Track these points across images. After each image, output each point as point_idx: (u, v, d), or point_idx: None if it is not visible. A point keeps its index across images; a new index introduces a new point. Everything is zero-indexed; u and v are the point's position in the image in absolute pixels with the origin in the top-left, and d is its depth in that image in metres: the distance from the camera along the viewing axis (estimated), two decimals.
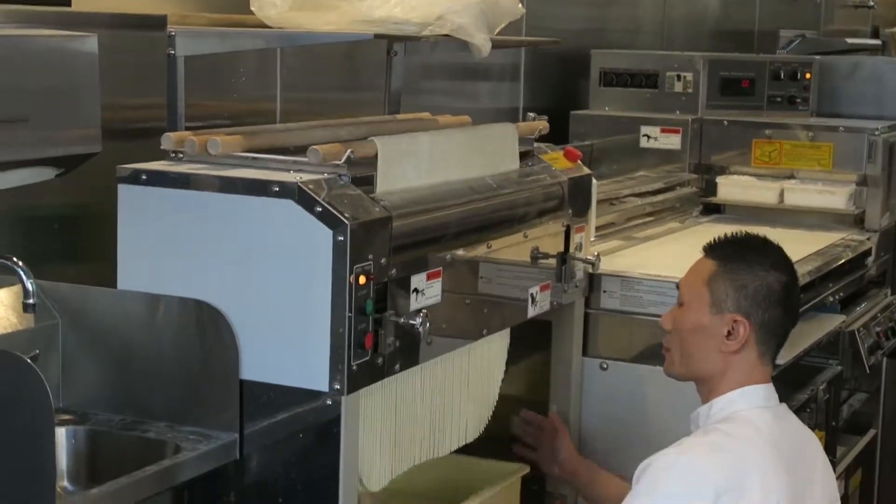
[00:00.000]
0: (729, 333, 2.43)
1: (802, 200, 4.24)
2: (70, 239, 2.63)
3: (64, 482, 2.34)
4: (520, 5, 2.88)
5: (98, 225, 2.47)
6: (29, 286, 2.17)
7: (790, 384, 3.40)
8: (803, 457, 2.46)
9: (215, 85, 2.97)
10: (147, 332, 2.34)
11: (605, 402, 3.19)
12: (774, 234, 3.94)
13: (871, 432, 4.26)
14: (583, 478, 2.95)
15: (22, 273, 2.17)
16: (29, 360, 1.93)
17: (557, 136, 4.12)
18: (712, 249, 2.53)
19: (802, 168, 4.29)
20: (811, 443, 2.55)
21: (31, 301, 2.17)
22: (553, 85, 4.47)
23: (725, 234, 2.58)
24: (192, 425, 2.29)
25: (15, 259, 2.19)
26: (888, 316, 4.16)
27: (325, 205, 2.17)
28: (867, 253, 4.10)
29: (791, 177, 4.32)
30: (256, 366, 2.25)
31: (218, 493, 2.34)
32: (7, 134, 2.16)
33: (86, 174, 2.41)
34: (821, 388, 3.60)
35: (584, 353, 3.19)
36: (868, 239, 4.14)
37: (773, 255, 2.54)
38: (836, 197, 4.22)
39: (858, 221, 4.24)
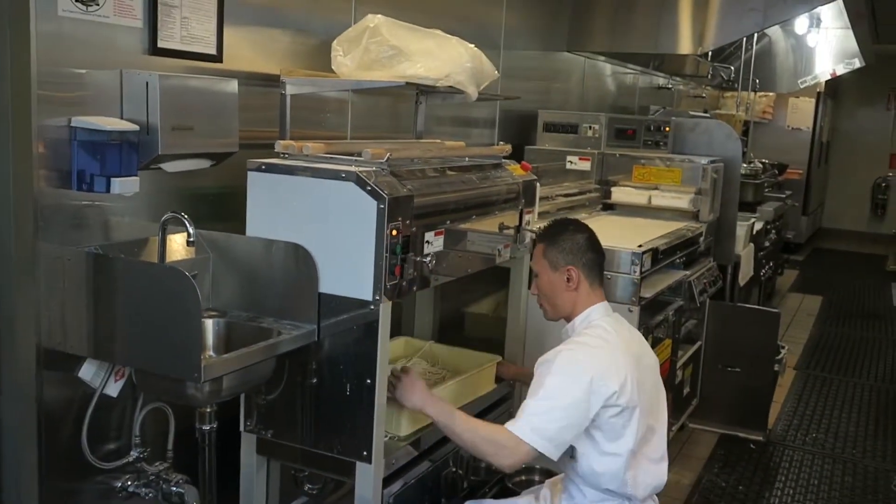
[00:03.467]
0: (568, 280, 2.33)
1: (663, 202, 4.17)
2: (218, 206, 2.52)
3: (210, 352, 2.26)
4: (496, 72, 2.76)
5: (235, 198, 2.36)
6: (190, 230, 2.07)
7: (652, 311, 3.33)
8: (634, 341, 2.35)
9: (309, 120, 2.86)
10: (264, 262, 2.26)
11: (542, 318, 3.07)
12: (645, 223, 3.95)
13: (698, 343, 4.18)
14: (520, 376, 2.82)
15: (186, 222, 2.08)
16: (187, 273, 1.87)
17: (518, 159, 4.04)
18: (540, 236, 2.42)
19: (663, 183, 4.22)
20: (637, 334, 2.42)
21: (191, 239, 2.08)
22: (515, 130, 4.36)
23: (547, 224, 2.48)
24: (290, 320, 2.22)
25: (182, 213, 2.10)
26: (710, 273, 4.08)
27: (373, 185, 2.09)
28: (699, 235, 4.02)
29: (656, 188, 4.25)
30: (329, 283, 2.17)
31: (303, 362, 2.26)
32: (181, 136, 2.10)
33: (229, 167, 2.33)
34: (670, 314, 3.52)
35: (528, 287, 3.04)
36: (700, 227, 4.06)
37: (573, 225, 2.42)
38: (682, 201, 4.14)
39: (695, 216, 4.16)
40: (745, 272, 4.82)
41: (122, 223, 2.22)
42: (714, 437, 4.19)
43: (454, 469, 2.65)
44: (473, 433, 2.19)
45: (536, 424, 2.13)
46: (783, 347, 4.30)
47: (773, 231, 6.10)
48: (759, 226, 5.36)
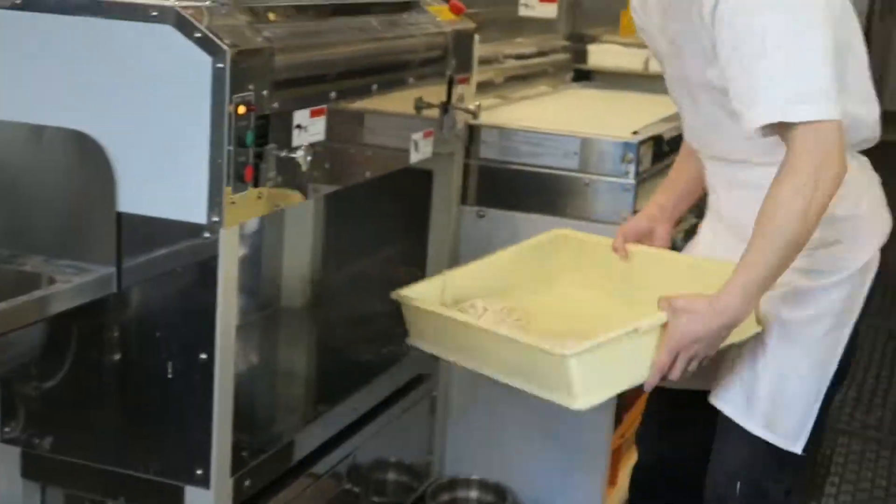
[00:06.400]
0: None
1: None
2: None
3: None
4: None
5: None
6: None
7: None
8: None
9: None
10: (23, 164, 2.05)
11: (482, 250, 2.92)
12: (638, 99, 3.81)
13: None
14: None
15: None
16: None
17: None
18: None
19: None
20: None
21: None
22: None
23: None
24: (71, 259, 2.03)
25: None
26: None
27: (205, 31, 1.89)
28: None
29: None
30: (134, 198, 1.98)
31: (98, 329, 2.10)
32: None
33: None
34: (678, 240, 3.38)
35: (463, 202, 2.97)
36: None
37: None
38: None
39: None
40: None
41: None
42: None
43: (349, 486, 2.61)
44: (780, 225, 1.96)
45: (797, 87, 1.94)
46: None
47: None
48: None
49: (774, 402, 2.21)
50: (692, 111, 2.26)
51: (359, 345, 2.87)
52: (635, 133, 3.00)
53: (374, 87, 2.38)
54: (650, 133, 3.06)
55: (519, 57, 3.78)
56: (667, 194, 2.53)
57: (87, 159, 1.98)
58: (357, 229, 3.06)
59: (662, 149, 3.17)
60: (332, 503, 2.55)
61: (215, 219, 1.93)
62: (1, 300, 1.84)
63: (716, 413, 2.29)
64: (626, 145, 2.92)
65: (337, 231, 3.07)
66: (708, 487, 2.32)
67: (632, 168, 2.91)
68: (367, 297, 2.97)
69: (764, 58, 1.94)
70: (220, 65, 1.87)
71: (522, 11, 3.96)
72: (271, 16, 2.10)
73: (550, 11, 3.97)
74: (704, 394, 2.30)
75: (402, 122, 2.56)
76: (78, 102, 1.99)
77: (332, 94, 2.20)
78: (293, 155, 2.03)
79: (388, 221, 2.97)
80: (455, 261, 2.96)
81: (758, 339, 2.19)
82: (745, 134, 2.00)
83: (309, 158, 2.06)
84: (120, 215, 1.98)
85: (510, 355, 2.16)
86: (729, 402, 2.24)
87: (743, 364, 2.22)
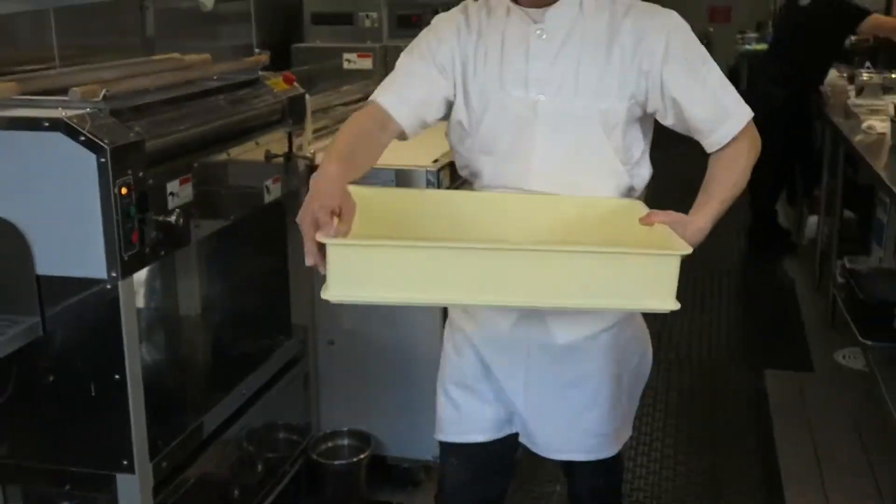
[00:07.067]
0: None
1: None
2: None
3: None
4: None
5: None
6: None
7: None
8: None
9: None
10: None
11: None
12: (436, 132, 3.86)
13: None
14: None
15: None
16: None
17: (285, 64, 3.95)
18: None
19: None
20: None
21: None
22: (278, 26, 4.21)
23: None
24: (3, 314, 2.07)
25: None
26: None
27: (87, 134, 1.97)
28: None
29: None
30: (50, 263, 2.06)
31: (33, 362, 2.15)
32: None
33: None
34: None
35: None
36: None
37: None
38: None
39: None
40: None
41: None
42: None
43: (249, 447, 2.68)
44: (742, 178, 1.98)
45: (738, 95, 1.99)
46: None
47: None
48: None
49: (623, 420, 2.12)
50: (543, 147, 1.95)
51: (242, 342, 2.94)
52: (435, 161, 3.00)
53: (228, 151, 2.44)
54: (447, 161, 3.04)
55: (345, 104, 3.82)
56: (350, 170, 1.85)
57: (7, 238, 2.03)
58: (235, 253, 3.09)
59: (456, 173, 3.27)
60: (235, 464, 2.61)
61: (113, 274, 2.02)
62: None
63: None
64: (428, 172, 2.97)
65: (219, 255, 3.09)
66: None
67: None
68: (247, 304, 3.06)
69: (720, 79, 1.98)
70: (103, 159, 1.95)
71: (346, 65, 4.10)
72: (139, 112, 2.16)
73: (367, 64, 4.10)
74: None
75: (255, 171, 2.60)
76: None
77: (196, 164, 2.28)
78: (169, 218, 2.12)
79: (258, 246, 3.01)
80: (308, 275, 3.05)
81: (589, 390, 2.03)
82: (709, 148, 1.98)
83: (181, 220, 2.15)
84: (39, 277, 2.05)
85: (585, 274, 1.63)
86: (591, 452, 2.09)
87: (587, 418, 2.06)
